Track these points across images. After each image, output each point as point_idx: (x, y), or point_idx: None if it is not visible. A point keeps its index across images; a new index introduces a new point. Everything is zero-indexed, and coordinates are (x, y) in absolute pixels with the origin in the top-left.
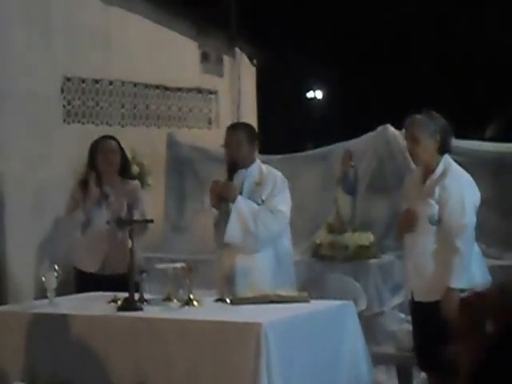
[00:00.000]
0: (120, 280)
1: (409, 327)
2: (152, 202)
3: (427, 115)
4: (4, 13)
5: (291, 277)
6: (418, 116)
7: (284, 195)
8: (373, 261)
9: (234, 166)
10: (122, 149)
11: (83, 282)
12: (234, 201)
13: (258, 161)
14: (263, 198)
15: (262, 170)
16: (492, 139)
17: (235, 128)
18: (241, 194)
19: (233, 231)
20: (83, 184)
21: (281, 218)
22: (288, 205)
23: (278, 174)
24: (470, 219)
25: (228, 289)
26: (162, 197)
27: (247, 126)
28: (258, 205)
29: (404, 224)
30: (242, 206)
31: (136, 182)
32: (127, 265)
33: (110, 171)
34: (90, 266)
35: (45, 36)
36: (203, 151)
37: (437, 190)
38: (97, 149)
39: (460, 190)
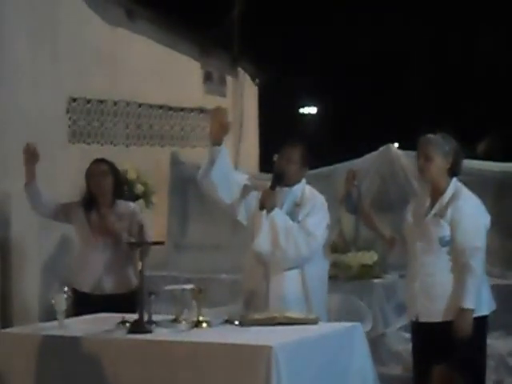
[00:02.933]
0: (113, 301)
1: None
2: (155, 220)
3: (441, 136)
4: (11, 34)
5: (319, 304)
6: (433, 136)
7: (320, 217)
8: (376, 280)
9: (279, 178)
10: (114, 170)
11: (78, 301)
12: (270, 210)
13: (303, 182)
14: (300, 219)
15: (305, 191)
16: (485, 156)
17: (293, 145)
18: None
19: (262, 241)
20: (85, 205)
21: (312, 243)
22: (322, 228)
23: (320, 196)
24: (483, 241)
25: (246, 309)
26: (165, 215)
27: (304, 148)
28: None
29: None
30: (277, 218)
31: (134, 205)
32: (122, 286)
33: (102, 194)
34: (84, 285)
35: (51, 57)
36: None
37: (449, 211)
38: (88, 172)
39: (472, 212)
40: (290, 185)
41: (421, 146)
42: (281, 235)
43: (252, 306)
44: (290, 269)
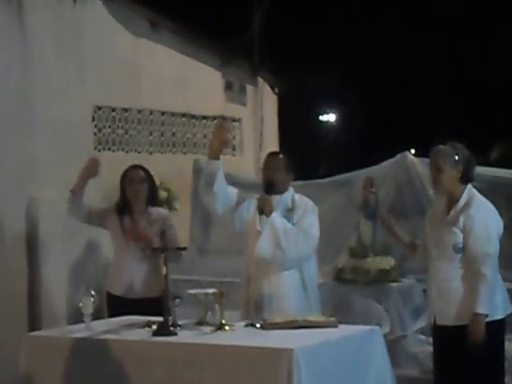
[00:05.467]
0: (148, 304)
1: (430, 349)
2: (178, 225)
3: (451, 146)
4: (38, 47)
5: (317, 301)
6: (442, 147)
7: (314, 219)
8: (394, 284)
9: (270, 186)
10: (150, 177)
11: (112, 304)
12: (269, 215)
13: (291, 189)
14: (294, 222)
15: (295, 197)
16: (497, 163)
17: (276, 154)
18: None
19: (264, 244)
20: (119, 210)
21: (311, 241)
22: (317, 230)
23: (310, 202)
24: (494, 248)
25: (255, 312)
26: (188, 220)
27: (287, 155)
28: None
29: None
30: (276, 221)
31: (166, 211)
32: (154, 290)
33: (137, 200)
34: (118, 289)
35: (77, 67)
36: (227, 176)
37: (461, 219)
38: (125, 178)
39: (484, 220)
40: (280, 192)
41: (431, 157)
42: (281, 237)
43: (256, 310)
44: (290, 268)
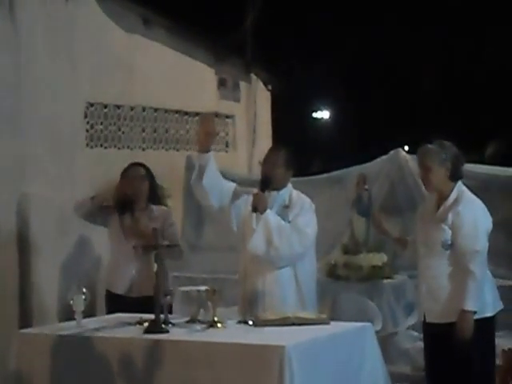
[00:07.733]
0: (148, 302)
1: (422, 345)
2: None
3: (438, 144)
4: (30, 40)
5: (312, 300)
6: (430, 145)
7: (310, 217)
8: (386, 281)
9: (266, 182)
10: (151, 175)
11: (112, 303)
12: (263, 212)
13: (290, 186)
14: (290, 219)
15: (293, 194)
16: (491, 161)
17: (277, 149)
18: None
19: (257, 242)
20: (120, 208)
21: (305, 240)
22: (314, 228)
23: (307, 199)
24: (483, 245)
25: (250, 309)
26: (180, 217)
27: (288, 152)
28: None
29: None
30: (270, 218)
31: (167, 209)
32: (152, 288)
33: (138, 197)
34: (119, 287)
35: (69, 63)
36: (221, 173)
37: (450, 216)
38: (125, 175)
39: (473, 217)
40: (277, 188)
41: (418, 157)
42: (274, 235)
43: (250, 307)
44: (283, 267)
